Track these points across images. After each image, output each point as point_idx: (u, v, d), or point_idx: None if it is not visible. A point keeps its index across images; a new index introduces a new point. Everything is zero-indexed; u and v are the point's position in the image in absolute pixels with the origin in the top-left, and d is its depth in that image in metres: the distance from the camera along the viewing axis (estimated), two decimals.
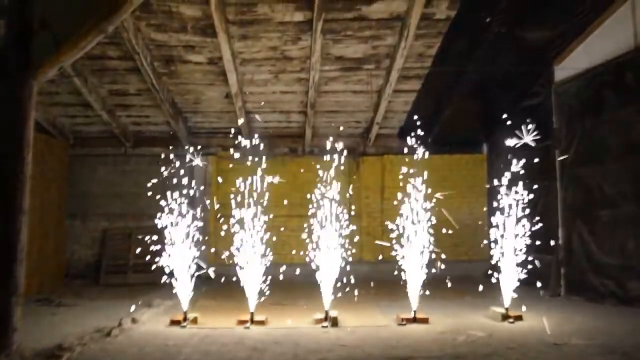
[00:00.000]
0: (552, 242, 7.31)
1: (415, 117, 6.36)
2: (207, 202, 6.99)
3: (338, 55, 7.55)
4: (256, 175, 5.86)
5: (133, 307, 6.13)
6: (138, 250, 7.66)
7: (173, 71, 7.86)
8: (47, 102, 8.37)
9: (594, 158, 7.12)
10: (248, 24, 6.81)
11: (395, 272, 5.98)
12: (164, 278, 5.87)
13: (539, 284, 6.46)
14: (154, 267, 5.95)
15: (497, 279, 6.04)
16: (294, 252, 7.09)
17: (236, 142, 6.12)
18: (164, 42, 7.19)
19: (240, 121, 8.75)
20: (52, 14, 4.25)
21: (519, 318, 5.81)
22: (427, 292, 5.95)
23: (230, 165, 6.05)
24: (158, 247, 5.88)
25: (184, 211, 5.89)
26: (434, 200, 6.04)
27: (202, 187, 8.67)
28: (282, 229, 6.30)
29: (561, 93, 7.81)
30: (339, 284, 5.95)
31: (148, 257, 6.02)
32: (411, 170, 5.99)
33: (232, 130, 7.20)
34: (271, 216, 6.02)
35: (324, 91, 8.40)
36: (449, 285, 6.74)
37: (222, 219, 6.26)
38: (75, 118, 9.16)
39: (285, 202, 7.33)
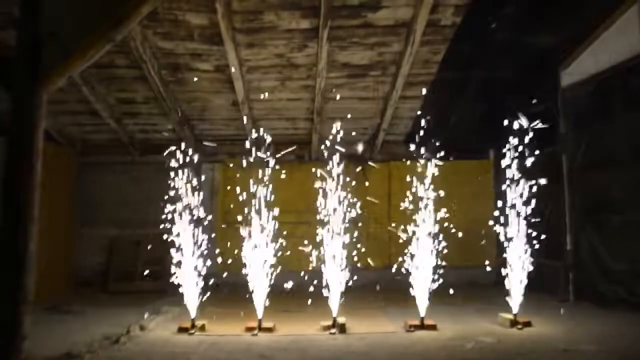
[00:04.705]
0: (561, 248, 7.26)
1: (422, 123, 6.37)
2: (214, 209, 7.00)
3: (344, 62, 7.56)
4: (263, 182, 5.88)
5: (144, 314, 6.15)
6: (146, 257, 7.68)
7: (180, 79, 7.90)
8: (55, 111, 8.41)
9: (602, 163, 7.08)
10: (254, 32, 6.84)
11: (399, 277, 5.98)
12: (172, 285, 5.89)
13: (547, 290, 6.42)
14: (161, 274, 5.97)
15: (505, 285, 6.01)
16: (301, 259, 7.07)
17: (243, 149, 6.14)
18: (170, 51, 7.24)
19: (247, 128, 8.77)
20: (61, 24, 4.29)
21: (527, 324, 5.77)
22: (434, 299, 5.94)
23: (237, 173, 6.07)
24: (166, 254, 5.90)
25: (191, 219, 5.92)
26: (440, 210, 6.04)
27: (209, 195, 8.69)
28: (287, 235, 6.30)
29: (568, 98, 7.78)
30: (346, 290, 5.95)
31: (156, 264, 6.04)
32: (418, 177, 6.00)
33: (239, 138, 7.23)
34: (278, 223, 6.03)
35: (330, 98, 8.42)
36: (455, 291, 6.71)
37: (229, 226, 6.28)
38: (83, 126, 9.22)
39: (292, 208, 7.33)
